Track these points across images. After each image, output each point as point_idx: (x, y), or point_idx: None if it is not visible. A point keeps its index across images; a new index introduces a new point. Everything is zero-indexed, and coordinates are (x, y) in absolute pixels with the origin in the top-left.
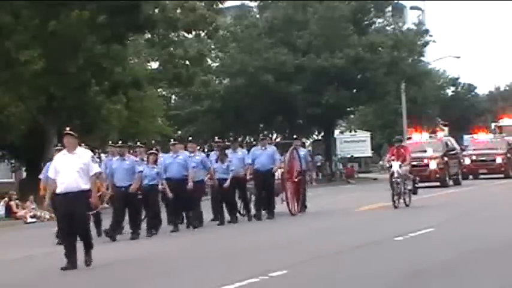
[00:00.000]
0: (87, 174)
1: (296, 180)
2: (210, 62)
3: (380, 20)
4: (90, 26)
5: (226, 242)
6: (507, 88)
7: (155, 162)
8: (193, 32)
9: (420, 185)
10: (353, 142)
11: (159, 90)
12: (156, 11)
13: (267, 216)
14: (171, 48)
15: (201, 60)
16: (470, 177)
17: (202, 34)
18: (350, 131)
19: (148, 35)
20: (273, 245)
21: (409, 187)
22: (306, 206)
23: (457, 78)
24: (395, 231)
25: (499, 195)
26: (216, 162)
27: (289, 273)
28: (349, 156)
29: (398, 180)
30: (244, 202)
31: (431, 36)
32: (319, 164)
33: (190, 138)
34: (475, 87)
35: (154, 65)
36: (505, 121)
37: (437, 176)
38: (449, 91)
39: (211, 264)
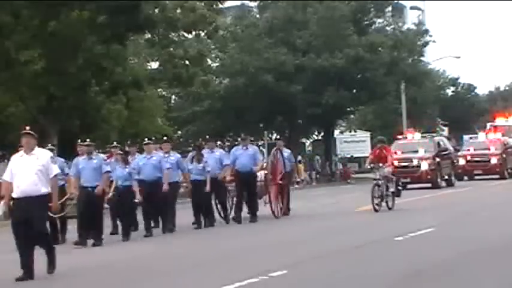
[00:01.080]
0: (46, 177)
1: (280, 182)
2: (210, 62)
3: (380, 20)
4: (90, 26)
5: (226, 242)
6: (507, 88)
7: (125, 162)
8: (193, 32)
9: (410, 186)
10: (353, 142)
11: (159, 90)
12: (156, 11)
13: (249, 219)
14: (171, 48)
15: (201, 60)
16: (466, 178)
17: (202, 34)
18: (350, 131)
19: (148, 35)
20: (273, 245)
21: (392, 189)
22: (289, 209)
23: (457, 78)
24: (395, 231)
25: (492, 198)
26: (192, 162)
27: (289, 273)
28: (349, 156)
29: (380, 182)
30: (222, 205)
31: (431, 36)
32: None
33: (165, 137)
34: (475, 87)
35: (154, 65)
36: (500, 121)
37: (429, 177)
38: (449, 91)
39: (211, 265)
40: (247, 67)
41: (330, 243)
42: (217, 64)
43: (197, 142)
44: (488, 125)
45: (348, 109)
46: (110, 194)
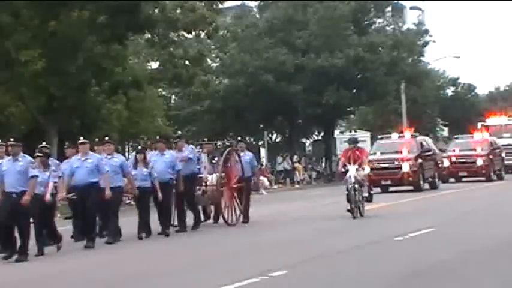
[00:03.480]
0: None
1: (235, 186)
2: (210, 62)
3: (380, 20)
4: (90, 26)
5: (226, 242)
6: (507, 88)
7: (44, 165)
8: (193, 32)
9: (392, 189)
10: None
11: (159, 90)
12: (156, 11)
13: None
14: (171, 48)
15: (201, 60)
16: (453, 180)
17: (202, 34)
18: (350, 131)
19: (148, 35)
20: (273, 245)
21: (365, 194)
22: (247, 217)
23: (457, 78)
24: (395, 231)
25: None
26: (135, 168)
27: (289, 273)
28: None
29: (356, 186)
30: (166, 213)
31: (431, 36)
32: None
33: (106, 137)
34: (475, 87)
35: (154, 65)
36: (491, 120)
37: (411, 179)
38: (449, 91)
39: (211, 264)
40: (247, 67)
41: (330, 243)
42: (217, 64)
43: (143, 144)
44: (479, 124)
45: (348, 109)
46: (66, 195)
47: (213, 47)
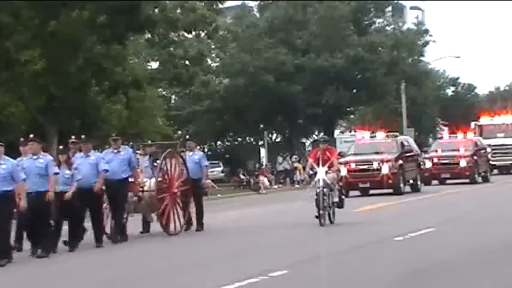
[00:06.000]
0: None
1: (177, 191)
2: (210, 62)
3: (380, 20)
4: (90, 26)
5: (226, 242)
6: (507, 88)
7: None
8: (193, 32)
9: (371, 192)
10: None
11: (159, 90)
12: (156, 11)
13: (118, 238)
14: (171, 48)
15: (201, 60)
16: (436, 182)
17: (202, 34)
18: (350, 131)
19: (148, 35)
20: (273, 245)
21: (335, 199)
22: (202, 223)
23: (457, 78)
24: (395, 231)
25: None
26: (59, 169)
27: (289, 273)
28: None
29: (325, 190)
30: (95, 221)
31: (431, 36)
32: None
33: (31, 135)
34: (475, 87)
35: (154, 65)
36: (485, 120)
37: (390, 181)
38: (449, 91)
39: (211, 264)
40: (248, 67)
41: (330, 243)
42: (217, 64)
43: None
44: (473, 124)
45: (348, 109)
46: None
47: (213, 47)
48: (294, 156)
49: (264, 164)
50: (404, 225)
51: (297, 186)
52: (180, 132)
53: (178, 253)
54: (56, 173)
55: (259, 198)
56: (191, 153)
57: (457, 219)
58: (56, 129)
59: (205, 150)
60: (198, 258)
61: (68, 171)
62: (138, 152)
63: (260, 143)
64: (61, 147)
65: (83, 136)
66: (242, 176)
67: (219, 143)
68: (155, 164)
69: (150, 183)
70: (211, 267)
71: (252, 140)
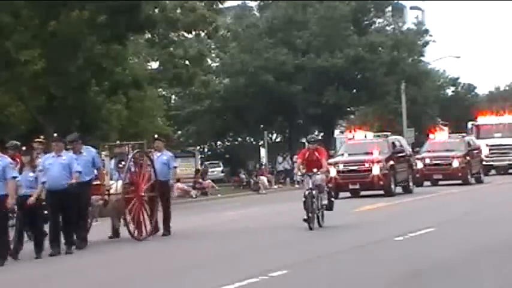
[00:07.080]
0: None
1: (143, 194)
2: (210, 62)
3: (380, 20)
4: (90, 26)
5: (226, 242)
6: (507, 88)
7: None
8: (193, 32)
9: (362, 193)
10: None
11: (159, 90)
12: (156, 11)
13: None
14: (171, 48)
15: (201, 60)
16: (428, 183)
17: (202, 34)
18: (350, 131)
19: (148, 35)
20: (273, 245)
21: (324, 201)
22: (169, 227)
23: (457, 78)
24: (395, 231)
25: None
26: (20, 172)
27: (289, 273)
28: None
29: (314, 192)
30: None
31: (431, 36)
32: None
33: None
34: (475, 87)
35: (155, 65)
36: (482, 120)
37: (381, 182)
38: (449, 91)
39: (211, 264)
40: (248, 67)
41: (330, 243)
42: (217, 64)
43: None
44: (470, 124)
45: (348, 109)
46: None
47: (213, 47)
48: (294, 156)
49: (264, 164)
50: (404, 225)
51: (297, 186)
52: (180, 132)
53: (178, 253)
54: (14, 177)
55: (259, 198)
56: (159, 153)
57: (457, 220)
58: (56, 129)
59: (206, 150)
60: (198, 258)
61: (31, 174)
62: (104, 152)
63: (260, 143)
64: (24, 148)
65: (55, 134)
66: (242, 176)
67: (219, 143)
68: (120, 165)
69: (116, 186)
70: (211, 267)
71: (252, 140)
